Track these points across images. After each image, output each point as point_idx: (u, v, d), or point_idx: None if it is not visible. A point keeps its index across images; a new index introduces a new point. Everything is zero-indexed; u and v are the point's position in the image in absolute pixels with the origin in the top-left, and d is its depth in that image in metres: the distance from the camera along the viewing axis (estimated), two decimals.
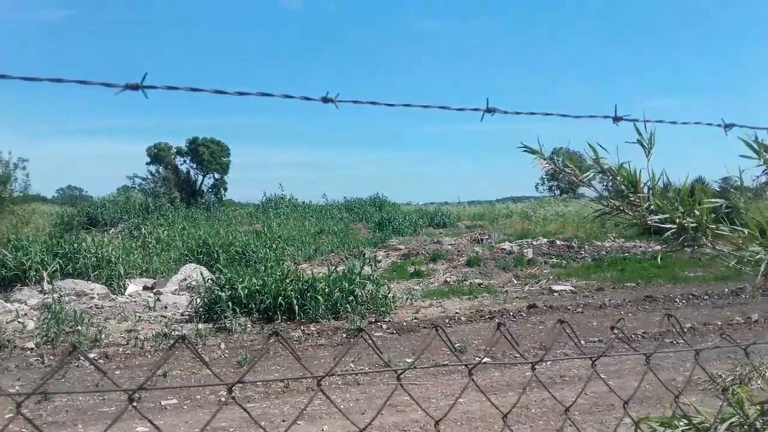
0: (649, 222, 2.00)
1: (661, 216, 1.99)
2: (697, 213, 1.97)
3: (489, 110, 1.78)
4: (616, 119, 1.97)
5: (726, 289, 12.33)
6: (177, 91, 1.56)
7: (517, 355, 7.51)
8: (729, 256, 2.03)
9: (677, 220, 1.97)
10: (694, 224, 1.98)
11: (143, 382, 1.57)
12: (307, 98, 1.64)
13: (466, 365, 1.83)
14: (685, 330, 9.25)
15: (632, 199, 2.04)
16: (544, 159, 2.11)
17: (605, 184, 2.17)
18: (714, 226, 2.00)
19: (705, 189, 2.12)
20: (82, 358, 7.78)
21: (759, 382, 6.06)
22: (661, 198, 2.00)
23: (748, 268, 2.05)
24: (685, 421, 2.08)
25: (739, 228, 2.00)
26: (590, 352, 8.06)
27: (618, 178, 2.05)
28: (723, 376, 6.43)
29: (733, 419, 2.03)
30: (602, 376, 6.73)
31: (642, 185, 2.03)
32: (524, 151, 2.12)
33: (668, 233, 1.98)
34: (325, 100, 1.60)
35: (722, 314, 10.37)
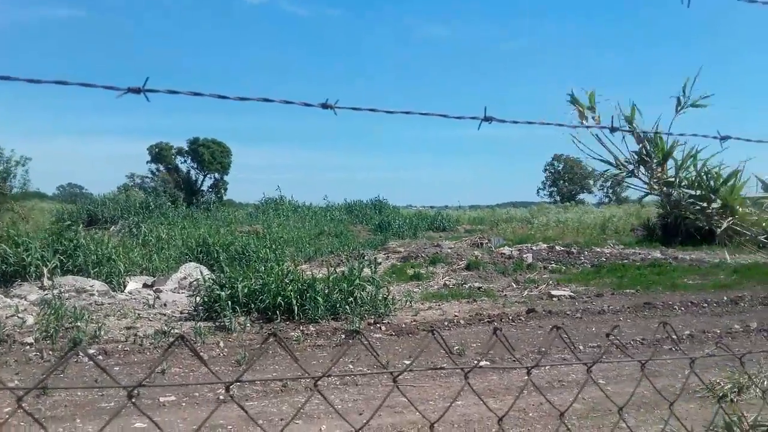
0: (673, 194, 1.97)
1: (694, 192, 1.96)
2: (725, 192, 1.94)
3: (486, 119, 1.79)
4: (613, 129, 1.98)
5: (725, 298, 12.33)
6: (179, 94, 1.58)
7: (514, 360, 7.52)
8: (755, 240, 1.99)
9: (709, 197, 1.94)
10: (723, 203, 1.95)
11: (142, 380, 1.58)
12: (306, 104, 1.66)
13: (462, 368, 1.85)
14: (683, 337, 9.25)
15: (657, 170, 2.01)
16: (586, 112, 2.03)
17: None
18: (747, 210, 1.96)
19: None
20: (81, 354, 7.80)
21: (755, 391, 6.08)
22: (698, 175, 1.96)
23: None
24: None
25: None
26: (588, 357, 8.07)
27: (646, 143, 2.00)
28: (721, 384, 6.45)
29: None
30: (600, 382, 6.74)
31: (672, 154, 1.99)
32: (569, 102, 2.07)
33: (700, 208, 1.95)
34: (325, 106, 1.62)
35: (721, 322, 10.37)
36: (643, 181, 2.05)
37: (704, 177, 1.96)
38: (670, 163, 2.00)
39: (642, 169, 2.03)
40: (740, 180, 1.92)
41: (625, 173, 2.05)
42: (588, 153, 2.01)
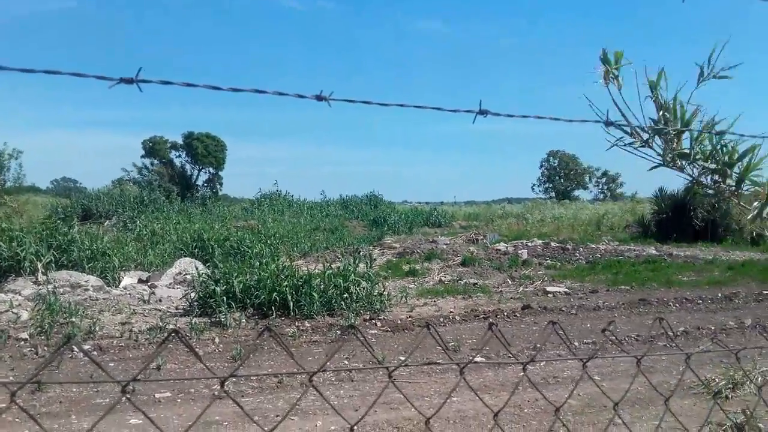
0: (686, 167, 1.93)
1: (709, 165, 1.92)
2: (738, 170, 1.90)
3: (481, 112, 1.78)
4: (608, 124, 1.97)
5: (719, 294, 12.37)
6: (173, 85, 1.57)
7: (510, 356, 7.53)
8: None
9: (724, 171, 1.91)
10: (737, 178, 1.92)
11: (136, 374, 1.57)
12: (300, 96, 1.64)
13: (457, 364, 1.84)
14: (678, 334, 9.28)
15: (673, 141, 1.97)
16: (608, 73, 1.97)
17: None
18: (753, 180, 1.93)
19: None
20: (75, 349, 7.77)
21: (750, 387, 6.09)
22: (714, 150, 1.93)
23: None
24: None
25: None
26: (584, 353, 8.08)
27: (666, 113, 1.95)
28: (716, 380, 6.46)
29: None
30: (595, 378, 6.75)
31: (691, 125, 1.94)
32: (600, 59, 2.01)
33: (712, 178, 1.92)
34: (319, 98, 1.60)
35: (715, 319, 10.40)
36: (656, 152, 2.00)
37: (720, 151, 1.92)
38: (685, 136, 1.96)
39: (657, 139, 1.99)
40: (757, 156, 1.88)
41: (639, 142, 2.01)
42: (602, 116, 1.96)
